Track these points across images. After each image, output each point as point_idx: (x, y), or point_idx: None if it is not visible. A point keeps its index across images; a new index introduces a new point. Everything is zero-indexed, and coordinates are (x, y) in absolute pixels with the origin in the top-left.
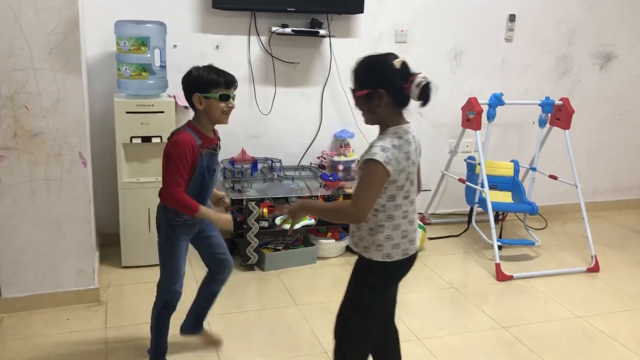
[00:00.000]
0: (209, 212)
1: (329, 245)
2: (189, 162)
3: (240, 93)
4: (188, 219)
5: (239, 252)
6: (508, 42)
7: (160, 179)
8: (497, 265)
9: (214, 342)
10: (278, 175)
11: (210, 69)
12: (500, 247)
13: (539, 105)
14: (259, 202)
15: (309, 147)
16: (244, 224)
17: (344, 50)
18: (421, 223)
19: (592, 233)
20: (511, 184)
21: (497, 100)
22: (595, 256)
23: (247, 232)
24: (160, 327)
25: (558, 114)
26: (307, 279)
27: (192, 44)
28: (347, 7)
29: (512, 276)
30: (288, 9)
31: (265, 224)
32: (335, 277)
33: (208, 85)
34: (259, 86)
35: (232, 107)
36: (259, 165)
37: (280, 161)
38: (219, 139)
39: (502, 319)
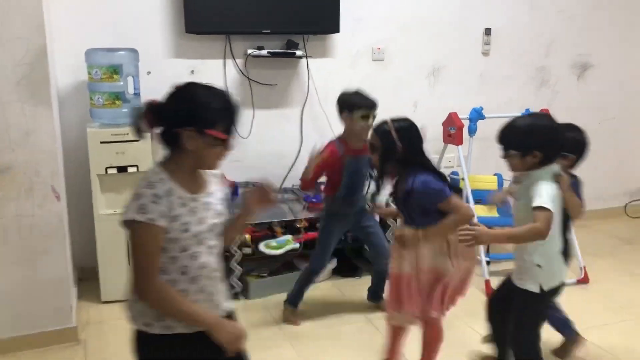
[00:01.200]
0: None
1: None
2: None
3: None
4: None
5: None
6: (485, 56)
7: None
8: (487, 282)
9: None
10: None
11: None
12: (488, 263)
13: None
14: None
15: (291, 169)
16: (226, 252)
17: (322, 70)
18: None
19: (579, 243)
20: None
21: (477, 115)
22: (585, 267)
23: (230, 260)
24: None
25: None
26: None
27: (167, 69)
28: (322, 27)
29: None
30: (263, 31)
31: (248, 250)
32: (323, 302)
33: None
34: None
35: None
36: (240, 190)
37: None
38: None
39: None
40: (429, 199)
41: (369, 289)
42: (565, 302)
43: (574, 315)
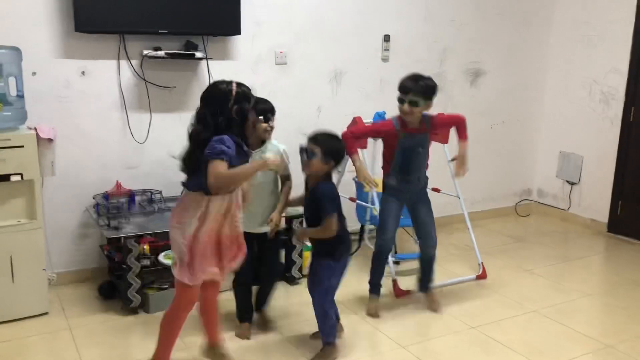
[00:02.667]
0: (356, 159)
1: None
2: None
3: (112, 121)
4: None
5: (119, 296)
6: (385, 62)
7: (22, 220)
8: (394, 282)
9: (435, 305)
10: (159, 208)
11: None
12: (397, 263)
13: None
14: (139, 238)
15: None
16: (122, 264)
17: (223, 72)
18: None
19: (475, 242)
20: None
21: (380, 119)
22: (482, 263)
23: (127, 272)
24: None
25: (436, 130)
26: (196, 318)
27: (54, 70)
28: (223, 28)
29: (409, 291)
30: (160, 31)
31: (147, 262)
32: (227, 311)
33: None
34: (132, 113)
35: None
36: (137, 199)
37: (160, 192)
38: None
39: (401, 338)
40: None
41: (418, 279)
42: (466, 299)
43: (473, 312)
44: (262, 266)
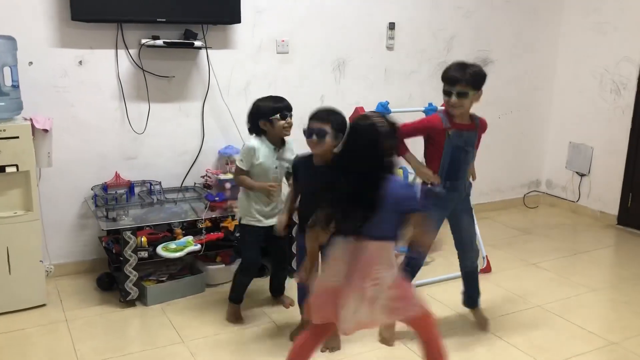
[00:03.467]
0: (411, 158)
1: (218, 270)
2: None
3: (110, 111)
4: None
5: (117, 288)
6: (390, 50)
7: (18, 212)
8: None
9: (483, 322)
10: (158, 199)
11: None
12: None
13: (423, 112)
14: (136, 230)
15: (192, 166)
16: (120, 256)
17: (223, 62)
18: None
19: (481, 234)
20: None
21: (383, 109)
22: (487, 257)
23: (124, 265)
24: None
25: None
26: (196, 310)
27: (51, 60)
28: (223, 17)
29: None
30: (158, 20)
31: (144, 254)
32: (226, 305)
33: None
34: (130, 103)
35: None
36: (136, 190)
37: (160, 183)
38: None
39: (402, 334)
40: None
41: (463, 294)
42: None
43: None
44: (273, 255)
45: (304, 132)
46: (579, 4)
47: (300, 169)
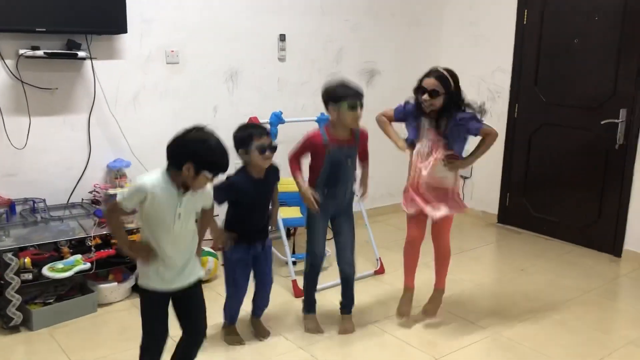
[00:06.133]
0: (299, 182)
1: (110, 289)
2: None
3: None
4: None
5: (0, 313)
6: (282, 62)
7: None
8: (294, 282)
9: (349, 326)
10: (42, 217)
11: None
12: (295, 263)
13: (316, 121)
14: (18, 251)
15: (79, 181)
16: (0, 280)
17: (110, 72)
18: (212, 250)
19: (374, 238)
20: (299, 198)
21: (277, 119)
22: (380, 259)
23: (6, 288)
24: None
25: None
26: (87, 332)
27: None
28: (107, 27)
29: None
30: (37, 30)
31: (29, 276)
32: (120, 324)
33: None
34: (8, 117)
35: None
36: (18, 208)
37: (44, 201)
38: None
39: (298, 339)
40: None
41: (341, 303)
42: (365, 294)
43: (371, 308)
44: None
45: (260, 148)
46: (457, 17)
47: (239, 184)
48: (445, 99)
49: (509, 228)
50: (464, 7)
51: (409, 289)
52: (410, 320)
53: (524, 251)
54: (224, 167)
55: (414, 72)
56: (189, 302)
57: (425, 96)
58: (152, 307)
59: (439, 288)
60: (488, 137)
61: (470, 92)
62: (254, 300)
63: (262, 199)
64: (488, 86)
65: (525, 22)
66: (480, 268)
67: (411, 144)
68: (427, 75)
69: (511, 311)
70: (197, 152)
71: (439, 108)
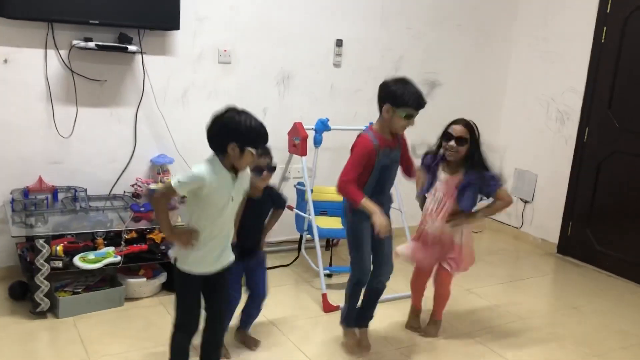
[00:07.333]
0: (370, 206)
1: (139, 284)
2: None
3: (36, 112)
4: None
5: (30, 297)
6: (337, 67)
7: None
8: (324, 296)
9: (364, 342)
10: (82, 207)
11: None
12: (330, 275)
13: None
14: (51, 239)
15: (122, 174)
16: (32, 265)
17: (160, 68)
18: None
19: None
20: (341, 209)
21: (323, 126)
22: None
23: (36, 273)
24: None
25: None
26: (110, 324)
27: None
28: (160, 22)
29: (338, 306)
30: (91, 22)
31: (59, 263)
32: (144, 321)
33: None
34: (57, 105)
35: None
36: (60, 196)
37: (85, 190)
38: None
39: (318, 356)
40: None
41: (358, 311)
42: (396, 314)
43: (406, 332)
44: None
45: (257, 168)
46: (528, 32)
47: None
48: (469, 148)
49: (569, 260)
50: (538, 22)
51: (415, 310)
52: (442, 350)
53: (582, 287)
54: (264, 138)
55: (478, 85)
56: (216, 284)
57: (452, 143)
58: (189, 288)
59: (436, 320)
60: (501, 203)
61: (539, 113)
62: (244, 311)
63: (252, 221)
64: (558, 107)
65: (603, 41)
66: (529, 301)
67: (423, 199)
68: (455, 122)
69: (555, 354)
70: (237, 130)
71: (462, 157)
